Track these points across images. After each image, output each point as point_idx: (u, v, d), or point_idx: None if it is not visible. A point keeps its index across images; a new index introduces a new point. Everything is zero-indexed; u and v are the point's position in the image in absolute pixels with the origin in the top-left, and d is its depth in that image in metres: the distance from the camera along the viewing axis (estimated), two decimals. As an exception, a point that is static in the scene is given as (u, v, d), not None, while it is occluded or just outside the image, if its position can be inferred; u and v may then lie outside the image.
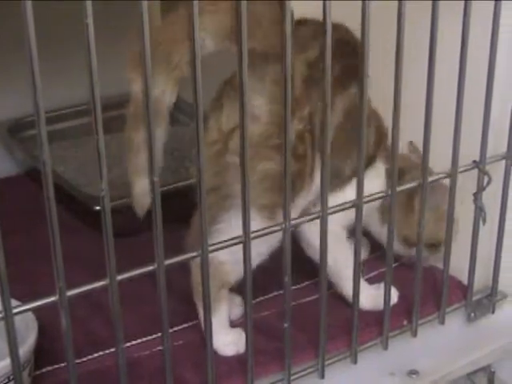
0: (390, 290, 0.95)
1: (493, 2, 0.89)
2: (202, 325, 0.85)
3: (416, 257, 0.96)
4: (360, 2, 0.77)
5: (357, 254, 0.89)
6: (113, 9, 1.29)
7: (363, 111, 0.82)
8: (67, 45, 1.25)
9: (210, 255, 0.77)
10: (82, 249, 1.14)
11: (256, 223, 0.84)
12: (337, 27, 0.92)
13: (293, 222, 0.81)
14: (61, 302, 0.70)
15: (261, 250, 0.90)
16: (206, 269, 0.77)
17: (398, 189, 0.90)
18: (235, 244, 0.79)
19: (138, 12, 0.64)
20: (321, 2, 0.74)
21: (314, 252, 0.96)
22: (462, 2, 0.86)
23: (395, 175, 0.88)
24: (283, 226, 0.81)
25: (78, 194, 1.25)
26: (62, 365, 0.90)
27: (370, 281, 1.06)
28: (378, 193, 0.89)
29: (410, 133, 1.03)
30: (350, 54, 0.88)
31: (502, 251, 1.05)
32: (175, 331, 0.98)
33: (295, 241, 0.97)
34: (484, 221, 1.00)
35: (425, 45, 0.86)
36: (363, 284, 0.99)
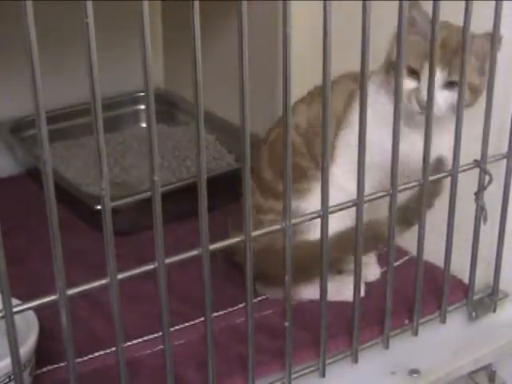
0: (391, 289, 0.95)
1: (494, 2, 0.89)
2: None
3: (417, 255, 0.96)
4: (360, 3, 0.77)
5: (358, 253, 0.89)
6: (113, 8, 1.30)
7: (363, 110, 0.82)
8: (67, 44, 1.25)
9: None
10: (83, 248, 1.14)
11: None
12: None
13: (293, 221, 0.81)
14: (61, 300, 0.70)
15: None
16: (207, 267, 0.77)
17: (400, 188, 0.90)
18: (237, 242, 0.80)
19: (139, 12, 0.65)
20: (321, 2, 0.74)
21: None
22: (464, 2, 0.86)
23: (395, 174, 0.87)
24: (283, 225, 0.81)
25: (79, 194, 1.25)
26: (63, 364, 0.90)
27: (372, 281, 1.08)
28: (379, 192, 0.89)
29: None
30: None
31: (503, 250, 1.05)
32: (176, 330, 0.98)
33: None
34: (485, 220, 1.00)
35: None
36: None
